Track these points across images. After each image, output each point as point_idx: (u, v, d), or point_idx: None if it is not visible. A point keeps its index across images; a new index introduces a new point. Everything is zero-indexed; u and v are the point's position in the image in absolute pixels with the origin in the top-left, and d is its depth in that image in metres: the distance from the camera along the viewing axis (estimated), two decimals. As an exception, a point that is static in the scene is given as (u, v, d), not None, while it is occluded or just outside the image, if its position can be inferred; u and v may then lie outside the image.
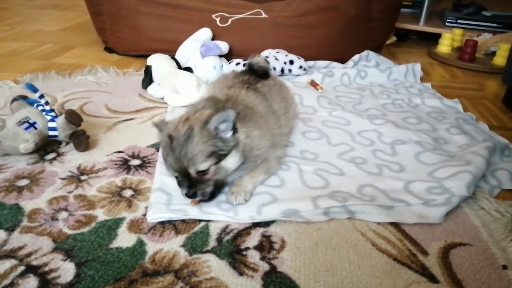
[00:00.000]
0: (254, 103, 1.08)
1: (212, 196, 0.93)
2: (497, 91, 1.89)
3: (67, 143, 1.20)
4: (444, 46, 2.40)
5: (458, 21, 2.64)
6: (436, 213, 0.95)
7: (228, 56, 1.89)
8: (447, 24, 2.64)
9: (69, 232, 0.86)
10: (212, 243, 0.85)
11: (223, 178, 0.94)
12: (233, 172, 0.95)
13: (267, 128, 1.05)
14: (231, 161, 0.92)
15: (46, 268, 0.77)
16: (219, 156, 0.89)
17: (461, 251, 0.86)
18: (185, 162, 0.87)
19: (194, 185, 0.89)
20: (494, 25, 2.61)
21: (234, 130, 0.91)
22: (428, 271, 0.80)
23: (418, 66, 1.95)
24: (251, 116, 1.01)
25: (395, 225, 0.92)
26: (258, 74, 1.24)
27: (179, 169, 0.89)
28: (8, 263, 0.78)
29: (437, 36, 2.49)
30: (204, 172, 0.89)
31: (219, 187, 0.94)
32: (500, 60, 2.18)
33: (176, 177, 0.93)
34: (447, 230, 0.92)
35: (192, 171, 0.88)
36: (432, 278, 0.79)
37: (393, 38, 2.55)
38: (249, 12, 2.03)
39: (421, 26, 2.63)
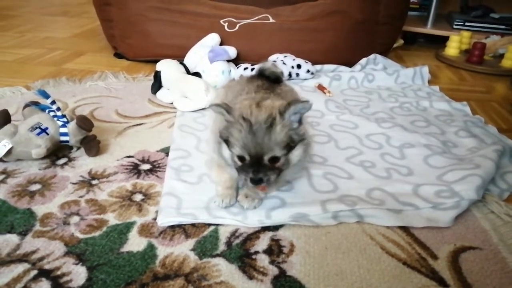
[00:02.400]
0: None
1: (272, 184, 0.92)
2: (505, 94, 1.88)
3: (78, 148, 1.22)
4: (452, 49, 2.39)
5: (466, 23, 2.63)
6: (446, 216, 0.95)
7: (236, 61, 1.91)
8: (454, 26, 2.63)
9: (81, 236, 0.87)
10: (222, 247, 0.85)
11: (285, 169, 0.92)
12: (291, 168, 0.94)
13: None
14: (296, 154, 0.91)
15: (58, 272, 0.78)
16: (290, 147, 0.89)
17: (471, 255, 0.86)
18: (265, 148, 0.86)
19: (262, 171, 0.87)
20: (503, 27, 2.60)
21: (300, 122, 0.92)
22: (437, 275, 0.80)
23: (426, 69, 1.95)
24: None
25: (404, 229, 0.92)
26: (270, 79, 1.24)
27: (255, 153, 0.87)
28: (21, 267, 0.79)
29: (445, 39, 2.48)
30: (276, 159, 0.88)
31: (278, 176, 0.92)
32: (508, 62, 2.17)
33: (242, 162, 0.90)
34: (456, 234, 0.92)
35: (266, 157, 0.87)
36: (442, 282, 0.78)
37: (401, 41, 2.55)
38: (257, 17, 2.04)
39: (428, 29, 2.62)
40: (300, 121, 0.91)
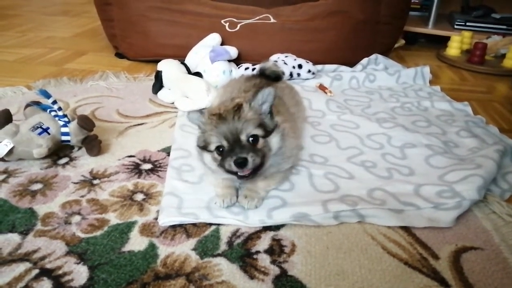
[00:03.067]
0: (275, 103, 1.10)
1: (254, 172, 0.92)
2: (507, 94, 1.88)
3: (80, 148, 1.22)
4: (453, 49, 2.39)
5: (467, 23, 2.62)
6: (447, 217, 0.94)
7: (237, 61, 1.91)
8: (456, 26, 2.63)
9: (82, 235, 0.87)
10: (223, 246, 0.85)
11: (268, 154, 0.94)
12: (271, 158, 0.96)
13: (293, 126, 1.08)
14: (275, 141, 0.95)
15: (60, 272, 0.78)
16: (266, 130, 0.93)
17: (473, 255, 0.86)
18: (238, 127, 0.90)
19: (244, 151, 0.88)
20: (504, 27, 2.59)
21: (271, 114, 0.97)
22: (439, 275, 0.80)
23: (427, 69, 1.95)
24: (279, 111, 1.05)
25: (406, 229, 0.92)
26: (270, 78, 1.25)
27: (231, 135, 0.90)
28: (23, 266, 0.79)
29: (446, 39, 2.48)
30: (255, 138, 0.91)
31: (260, 165, 0.93)
32: (510, 62, 2.17)
33: (222, 150, 0.92)
34: (458, 234, 0.92)
35: (243, 137, 0.90)
36: (443, 283, 0.78)
37: (402, 41, 2.55)
38: (258, 17, 2.04)
39: (429, 29, 2.62)
40: (271, 113, 0.96)
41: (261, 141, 0.92)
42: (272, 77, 1.26)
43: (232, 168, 0.89)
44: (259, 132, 0.92)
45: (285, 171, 1.04)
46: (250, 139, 0.91)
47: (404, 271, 0.81)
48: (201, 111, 0.97)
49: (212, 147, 0.92)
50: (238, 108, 0.92)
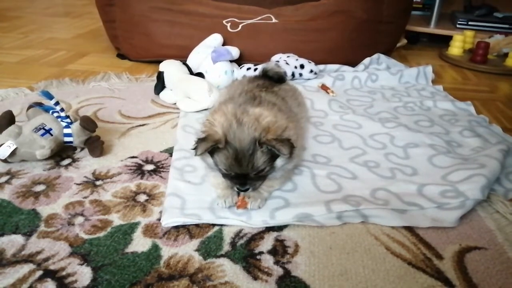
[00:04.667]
0: (278, 103, 1.09)
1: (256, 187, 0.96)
2: (510, 93, 1.87)
3: (82, 149, 1.22)
4: (456, 48, 2.38)
5: (469, 23, 2.62)
6: (451, 216, 0.94)
7: (239, 61, 1.90)
8: (458, 26, 2.63)
9: (85, 236, 0.87)
10: (226, 247, 0.85)
11: (271, 172, 0.95)
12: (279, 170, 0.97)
13: (297, 127, 1.07)
14: (281, 159, 0.93)
15: (64, 273, 0.78)
16: (273, 157, 0.91)
17: (477, 255, 0.85)
18: (249, 170, 0.90)
19: (248, 183, 0.92)
20: (506, 26, 2.59)
21: (291, 153, 0.91)
22: (443, 275, 0.80)
23: (429, 69, 1.95)
24: (284, 111, 1.03)
25: (409, 229, 0.92)
26: (273, 80, 1.25)
27: (241, 173, 0.91)
28: (27, 268, 0.79)
29: (448, 38, 2.47)
30: (261, 171, 0.92)
31: (265, 178, 0.97)
32: (512, 61, 2.16)
33: (228, 174, 0.94)
34: (461, 233, 0.91)
35: (251, 173, 0.91)
36: (448, 283, 0.78)
37: (404, 41, 2.54)
38: (259, 17, 2.04)
39: (432, 29, 2.61)
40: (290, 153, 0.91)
41: (266, 169, 0.92)
42: (275, 78, 1.25)
43: (234, 188, 0.95)
44: (266, 166, 0.91)
45: (288, 171, 1.04)
46: (255, 173, 0.92)
47: (408, 271, 0.80)
48: (209, 132, 0.91)
49: (220, 168, 0.92)
50: (253, 151, 0.88)
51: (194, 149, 0.90)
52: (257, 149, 0.88)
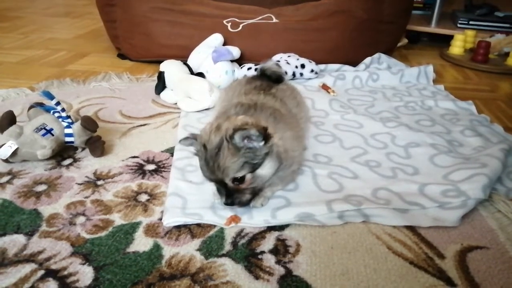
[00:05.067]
0: (276, 107, 1.08)
1: (250, 201, 0.93)
2: (511, 92, 1.87)
3: (83, 149, 1.22)
4: (456, 48, 2.38)
5: (470, 22, 2.62)
6: (452, 216, 0.94)
7: (239, 61, 1.91)
8: (459, 25, 2.62)
9: (87, 236, 0.88)
10: (228, 247, 0.85)
11: (261, 185, 0.92)
12: (271, 177, 0.94)
13: (297, 130, 1.06)
14: (267, 167, 0.89)
15: (65, 272, 0.78)
16: (253, 165, 0.87)
17: (478, 254, 0.85)
18: (219, 174, 0.87)
19: (232, 195, 0.89)
20: (507, 25, 2.58)
21: (266, 138, 0.87)
22: (445, 275, 0.80)
23: (430, 68, 1.94)
24: (280, 118, 1.01)
25: (411, 228, 0.92)
26: (271, 79, 1.24)
27: (215, 179, 0.89)
28: (28, 267, 0.79)
29: (449, 38, 2.47)
30: (240, 181, 0.88)
31: (256, 192, 0.94)
32: (513, 61, 2.16)
33: (216, 185, 0.93)
34: (463, 233, 0.91)
35: (227, 181, 0.88)
36: (449, 282, 0.78)
37: (405, 40, 2.54)
38: (260, 17, 2.04)
39: (432, 28, 2.61)
40: (265, 138, 0.87)
41: (248, 177, 0.88)
42: (273, 78, 1.24)
43: (221, 202, 0.93)
44: (243, 173, 0.86)
45: (291, 172, 1.03)
46: (235, 182, 0.88)
47: (409, 271, 0.80)
48: (195, 137, 0.92)
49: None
50: (219, 149, 0.85)
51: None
52: (223, 147, 0.85)
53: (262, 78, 1.25)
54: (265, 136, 0.86)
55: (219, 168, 0.86)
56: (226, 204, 0.90)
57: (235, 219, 0.92)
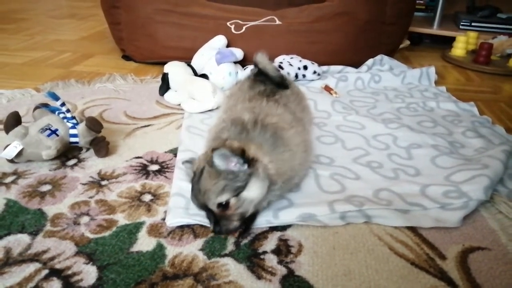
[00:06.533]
0: (280, 115, 1.02)
1: (247, 228, 0.90)
2: (514, 94, 1.87)
3: (88, 149, 1.23)
4: (459, 49, 2.38)
5: (473, 23, 2.61)
6: (454, 217, 0.94)
7: (243, 63, 1.91)
8: (461, 27, 2.62)
9: (91, 236, 0.88)
10: (230, 246, 0.86)
11: (249, 209, 0.87)
12: (265, 198, 0.90)
13: (301, 140, 1.00)
14: (253, 190, 0.85)
15: (69, 272, 0.79)
16: (235, 188, 0.83)
17: (480, 255, 0.86)
18: (201, 198, 0.85)
19: (218, 222, 0.85)
20: (510, 27, 2.58)
21: (249, 162, 0.85)
22: (446, 276, 0.80)
23: (432, 70, 1.95)
24: (281, 138, 0.94)
25: (412, 229, 0.92)
26: (274, 82, 1.19)
27: (200, 205, 0.87)
28: (33, 267, 0.80)
29: (451, 39, 2.47)
30: (224, 207, 0.84)
31: (250, 218, 0.90)
32: (516, 62, 2.16)
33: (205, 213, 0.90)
34: (465, 234, 0.92)
35: (211, 207, 0.84)
36: (451, 283, 0.78)
37: (407, 42, 2.54)
38: (263, 19, 2.05)
39: (434, 30, 2.62)
40: (248, 161, 0.85)
41: (233, 201, 0.84)
42: (275, 81, 1.20)
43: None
44: (226, 196, 0.83)
45: (294, 185, 1.03)
46: (219, 208, 0.84)
47: (411, 272, 0.81)
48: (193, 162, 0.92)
49: None
50: (201, 173, 0.85)
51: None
52: (205, 171, 0.84)
53: (264, 83, 1.20)
54: (248, 160, 0.84)
55: (199, 191, 0.84)
56: (215, 232, 0.87)
57: None
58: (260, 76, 1.25)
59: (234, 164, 0.84)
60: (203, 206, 0.87)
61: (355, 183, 1.08)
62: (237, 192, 0.84)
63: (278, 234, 0.90)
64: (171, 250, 0.85)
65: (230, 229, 0.86)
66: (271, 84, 1.20)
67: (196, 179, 0.87)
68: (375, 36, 2.10)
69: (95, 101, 1.61)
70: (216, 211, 0.85)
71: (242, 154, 0.83)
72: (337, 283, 0.78)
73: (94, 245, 0.86)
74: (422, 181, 1.09)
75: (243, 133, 0.94)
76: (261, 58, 1.26)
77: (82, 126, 1.18)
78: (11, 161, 1.13)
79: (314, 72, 1.84)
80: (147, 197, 1.02)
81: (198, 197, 0.86)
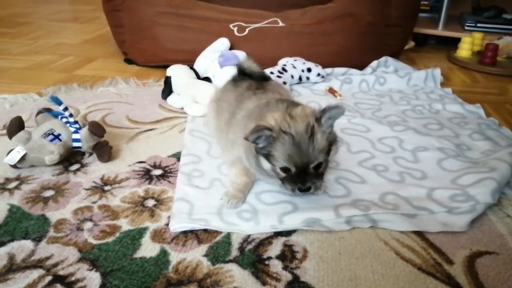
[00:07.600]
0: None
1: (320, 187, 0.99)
2: (520, 95, 1.85)
3: (91, 154, 1.23)
4: (464, 51, 2.36)
5: (478, 24, 2.60)
6: (461, 221, 0.93)
7: (246, 65, 1.90)
8: (466, 28, 2.61)
9: (94, 242, 0.88)
10: (234, 252, 0.85)
11: (325, 171, 0.97)
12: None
13: None
14: (332, 155, 0.96)
15: (73, 278, 0.78)
16: (328, 149, 0.94)
17: (487, 259, 0.84)
18: (311, 157, 0.91)
19: (309, 180, 0.93)
20: (515, 28, 2.57)
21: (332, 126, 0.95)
22: (453, 280, 0.79)
23: (438, 71, 1.93)
24: None
25: (419, 233, 0.91)
26: (254, 77, 1.28)
27: (302, 163, 0.91)
28: (36, 273, 0.79)
29: (457, 41, 2.45)
30: (320, 165, 0.93)
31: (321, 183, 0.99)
32: (522, 63, 2.14)
33: (287, 173, 0.94)
34: (472, 238, 0.90)
35: (312, 166, 0.92)
36: (458, 288, 0.77)
37: (412, 43, 2.53)
38: (266, 21, 2.05)
39: (439, 31, 2.60)
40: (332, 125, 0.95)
41: (324, 164, 0.94)
42: (255, 76, 1.28)
43: (295, 193, 0.95)
44: (325, 158, 0.93)
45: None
46: (315, 167, 0.93)
47: (418, 277, 0.80)
48: (266, 128, 0.91)
49: (278, 165, 0.93)
50: (312, 133, 0.90)
51: (246, 138, 0.90)
52: (316, 132, 0.90)
53: (245, 79, 1.28)
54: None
55: (313, 151, 0.90)
56: (304, 190, 0.93)
57: None
58: (242, 76, 1.32)
59: (331, 124, 0.94)
60: (304, 166, 0.91)
61: (360, 187, 1.07)
62: (328, 154, 0.94)
63: (282, 239, 0.89)
64: (175, 256, 0.84)
65: (317, 186, 0.95)
66: (249, 78, 1.28)
67: (303, 139, 0.90)
68: (380, 37, 2.09)
69: (97, 105, 1.61)
70: (311, 171, 0.92)
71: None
72: (343, 289, 0.77)
73: (98, 251, 0.85)
74: (429, 185, 1.07)
75: (290, 105, 1.01)
76: (248, 64, 1.33)
77: (84, 131, 1.17)
78: (14, 166, 1.12)
79: (318, 75, 1.83)
80: (150, 202, 1.02)
81: (309, 155, 0.90)
